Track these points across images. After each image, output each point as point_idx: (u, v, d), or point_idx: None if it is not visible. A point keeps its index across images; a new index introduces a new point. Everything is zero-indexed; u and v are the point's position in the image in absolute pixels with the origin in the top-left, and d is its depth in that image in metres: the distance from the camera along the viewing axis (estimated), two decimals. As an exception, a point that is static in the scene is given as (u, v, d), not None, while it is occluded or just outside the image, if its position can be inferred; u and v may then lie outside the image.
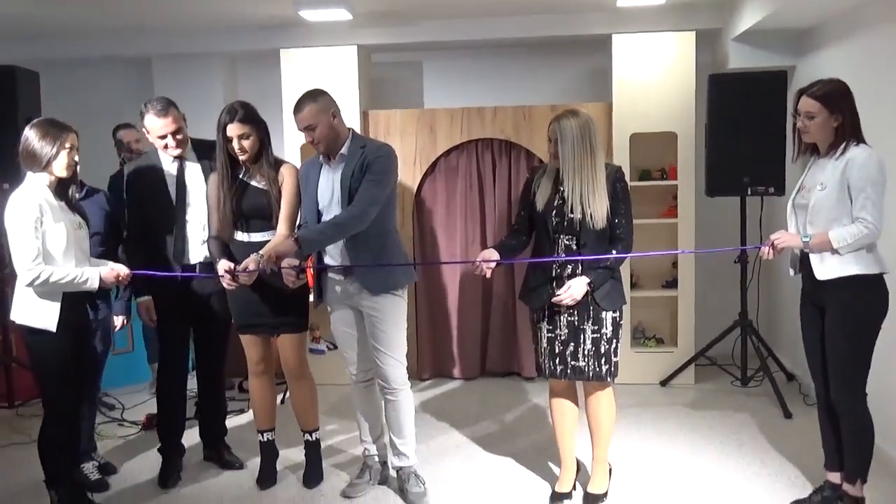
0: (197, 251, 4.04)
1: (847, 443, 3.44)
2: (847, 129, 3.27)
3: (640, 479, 4.01)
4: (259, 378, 4.05)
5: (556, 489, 3.83)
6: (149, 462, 4.38)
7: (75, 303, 3.48)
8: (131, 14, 5.39)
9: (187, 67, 6.17)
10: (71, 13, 5.33)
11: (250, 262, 3.50)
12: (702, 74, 5.39)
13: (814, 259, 3.32)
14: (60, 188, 3.47)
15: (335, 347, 4.28)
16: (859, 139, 3.29)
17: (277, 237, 3.71)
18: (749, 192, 5.16)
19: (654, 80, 5.46)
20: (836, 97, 3.28)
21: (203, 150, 4.07)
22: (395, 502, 3.86)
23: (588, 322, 3.58)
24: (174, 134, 3.91)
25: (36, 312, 3.39)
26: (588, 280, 3.49)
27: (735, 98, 5.10)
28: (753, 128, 5.05)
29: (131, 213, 4.07)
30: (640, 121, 5.49)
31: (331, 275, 3.80)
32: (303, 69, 5.66)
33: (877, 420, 3.42)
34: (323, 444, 4.19)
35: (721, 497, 3.81)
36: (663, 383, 5.60)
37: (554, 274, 3.59)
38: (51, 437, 3.56)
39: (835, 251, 3.23)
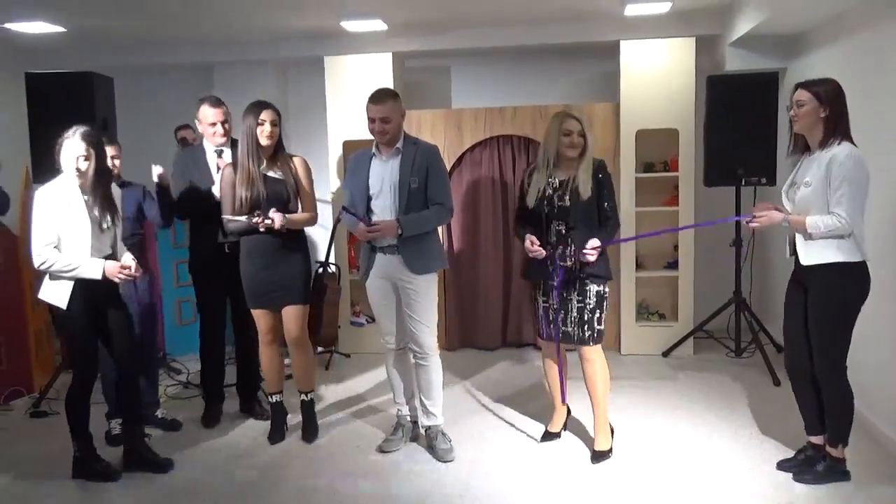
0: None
1: (829, 411, 3.37)
2: (833, 124, 3.18)
3: (643, 441, 3.97)
4: (268, 347, 4.06)
5: (548, 429, 3.88)
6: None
7: (94, 287, 3.45)
8: (196, 26, 5.42)
9: (244, 73, 6.18)
10: (143, 26, 5.36)
11: (276, 217, 3.70)
12: (701, 76, 5.30)
13: (799, 246, 3.26)
14: (95, 187, 3.45)
15: (373, 321, 4.29)
16: (846, 138, 3.19)
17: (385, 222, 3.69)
18: (743, 183, 5.06)
19: (658, 81, 5.38)
20: (827, 91, 3.19)
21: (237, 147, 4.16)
22: (424, 457, 3.86)
23: (574, 294, 3.64)
24: (223, 123, 4.19)
25: (52, 291, 3.46)
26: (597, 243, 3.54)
27: (731, 97, 5.00)
28: (747, 124, 4.94)
29: (183, 192, 4.20)
30: (645, 118, 5.42)
31: (378, 253, 3.79)
32: (344, 74, 5.66)
33: (856, 390, 3.35)
34: (361, 405, 4.21)
35: (715, 457, 3.76)
36: (665, 354, 5.54)
37: (547, 253, 3.63)
38: (72, 395, 3.57)
39: (809, 235, 3.17)
